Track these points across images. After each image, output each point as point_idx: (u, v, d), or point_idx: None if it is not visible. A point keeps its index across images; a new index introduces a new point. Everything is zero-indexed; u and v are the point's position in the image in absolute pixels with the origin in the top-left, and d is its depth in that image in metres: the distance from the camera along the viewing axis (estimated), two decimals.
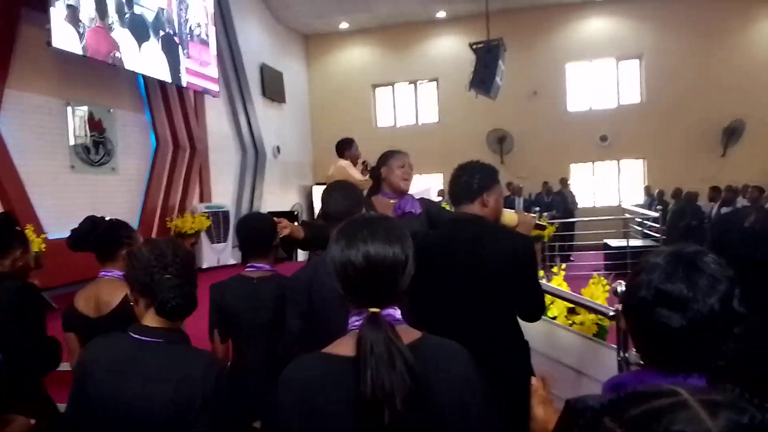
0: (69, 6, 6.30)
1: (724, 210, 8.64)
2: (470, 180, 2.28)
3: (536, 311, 2.33)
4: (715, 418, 0.41)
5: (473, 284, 2.20)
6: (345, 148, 5.61)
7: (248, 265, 2.46)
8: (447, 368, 1.21)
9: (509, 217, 2.61)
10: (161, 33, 7.96)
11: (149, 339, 1.46)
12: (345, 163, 5.51)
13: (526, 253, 2.25)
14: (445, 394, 1.18)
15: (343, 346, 1.21)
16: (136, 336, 1.47)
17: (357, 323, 1.22)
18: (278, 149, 12.28)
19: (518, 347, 2.30)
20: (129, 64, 7.30)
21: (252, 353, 2.39)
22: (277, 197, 12.09)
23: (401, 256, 1.22)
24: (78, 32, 6.44)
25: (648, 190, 12.36)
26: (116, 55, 7.06)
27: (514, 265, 2.19)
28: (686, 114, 12.55)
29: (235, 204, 10.63)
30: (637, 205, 11.65)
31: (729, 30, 12.54)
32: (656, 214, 9.51)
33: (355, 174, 5.34)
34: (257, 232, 2.47)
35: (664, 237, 9.09)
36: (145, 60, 7.59)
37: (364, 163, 5.65)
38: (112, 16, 7.00)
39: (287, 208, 11.35)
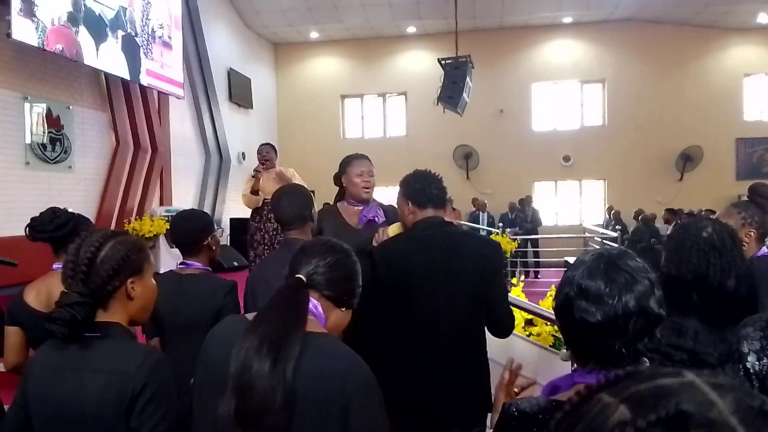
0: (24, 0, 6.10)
1: None
2: (441, 188, 2.31)
3: (508, 324, 2.28)
4: (725, 398, 0.41)
5: (449, 285, 2.17)
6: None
7: (180, 262, 2.45)
8: (325, 365, 1.22)
9: (394, 228, 2.55)
10: (121, 33, 7.77)
11: (88, 334, 1.40)
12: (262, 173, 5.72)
13: (497, 256, 2.27)
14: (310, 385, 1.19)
15: None
16: None
17: None
18: (243, 155, 12.12)
19: (484, 362, 2.27)
20: (89, 60, 7.11)
21: (174, 350, 2.30)
22: (240, 204, 11.82)
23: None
24: (36, 26, 6.25)
25: (611, 211, 12.61)
26: (76, 51, 6.87)
27: (487, 267, 2.19)
28: (646, 138, 12.93)
29: (196, 208, 10.41)
30: (597, 225, 11.90)
31: (686, 59, 13.01)
32: (615, 234, 9.73)
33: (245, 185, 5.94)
34: (182, 230, 2.46)
35: None
36: (105, 58, 7.40)
37: (254, 170, 5.77)
38: (72, 13, 6.81)
39: None
